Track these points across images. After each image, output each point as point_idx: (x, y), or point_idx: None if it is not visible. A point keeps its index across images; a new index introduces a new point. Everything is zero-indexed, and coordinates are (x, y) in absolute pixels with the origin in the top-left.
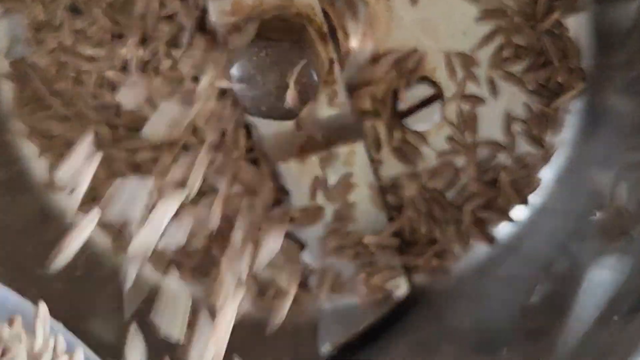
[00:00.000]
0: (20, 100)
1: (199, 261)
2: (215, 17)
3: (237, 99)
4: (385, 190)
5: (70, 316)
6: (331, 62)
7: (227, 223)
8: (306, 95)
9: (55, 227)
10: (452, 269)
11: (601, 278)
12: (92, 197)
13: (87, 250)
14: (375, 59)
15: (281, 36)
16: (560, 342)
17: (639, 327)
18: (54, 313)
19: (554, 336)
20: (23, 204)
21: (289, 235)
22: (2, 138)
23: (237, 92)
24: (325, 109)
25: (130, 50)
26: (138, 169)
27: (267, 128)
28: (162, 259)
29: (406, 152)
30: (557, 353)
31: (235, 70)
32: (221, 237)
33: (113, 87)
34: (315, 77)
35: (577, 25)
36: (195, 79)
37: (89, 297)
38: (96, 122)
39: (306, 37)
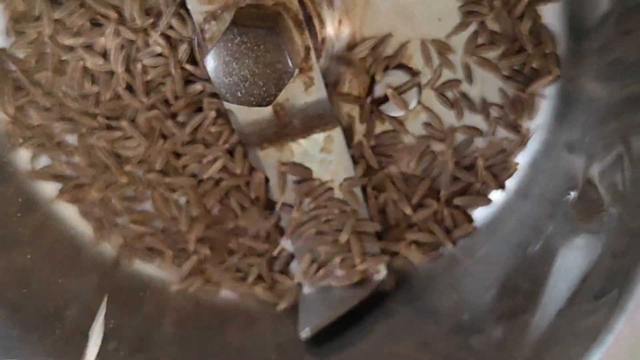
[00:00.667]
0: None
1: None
2: (192, 4)
3: (214, 85)
4: (363, 175)
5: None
6: (307, 49)
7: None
8: (281, 82)
9: (37, 215)
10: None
11: (573, 259)
12: (74, 185)
13: (68, 238)
14: (351, 46)
15: (257, 23)
16: (535, 322)
17: (609, 308)
18: (34, 301)
19: (529, 316)
20: (5, 193)
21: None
22: None
23: (213, 79)
24: (302, 96)
25: (109, 39)
26: (117, 157)
27: (245, 115)
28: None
29: (384, 138)
30: (531, 332)
31: (210, 57)
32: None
33: (92, 76)
34: (290, 64)
35: (551, 11)
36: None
37: (71, 285)
38: (76, 111)
39: (282, 24)
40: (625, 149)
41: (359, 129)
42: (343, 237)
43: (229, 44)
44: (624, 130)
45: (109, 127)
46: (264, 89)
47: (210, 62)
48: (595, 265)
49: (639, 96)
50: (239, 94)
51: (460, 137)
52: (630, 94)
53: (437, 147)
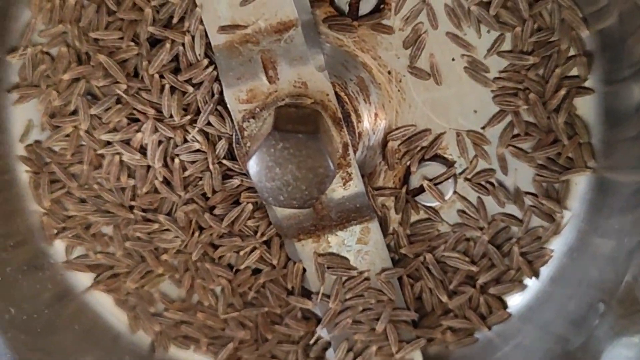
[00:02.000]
0: (35, 183)
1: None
2: (231, 103)
3: (256, 189)
4: (400, 264)
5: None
6: (345, 145)
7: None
8: (323, 185)
9: (72, 304)
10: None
11: (622, 355)
12: (110, 275)
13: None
14: (387, 136)
15: (297, 127)
16: None
17: None
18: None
19: None
20: (40, 282)
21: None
22: (22, 219)
23: (255, 183)
24: (340, 191)
25: (146, 135)
26: (154, 248)
27: (283, 209)
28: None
29: (419, 227)
30: None
31: (253, 162)
32: None
33: (129, 169)
34: (332, 167)
35: (585, 103)
36: None
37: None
38: (112, 203)
39: (321, 125)
40: None
41: (395, 218)
42: (380, 327)
43: (272, 150)
44: None
45: (146, 220)
46: (306, 192)
47: (253, 167)
48: None
49: None
50: (282, 198)
51: (496, 225)
52: None
53: (473, 233)
